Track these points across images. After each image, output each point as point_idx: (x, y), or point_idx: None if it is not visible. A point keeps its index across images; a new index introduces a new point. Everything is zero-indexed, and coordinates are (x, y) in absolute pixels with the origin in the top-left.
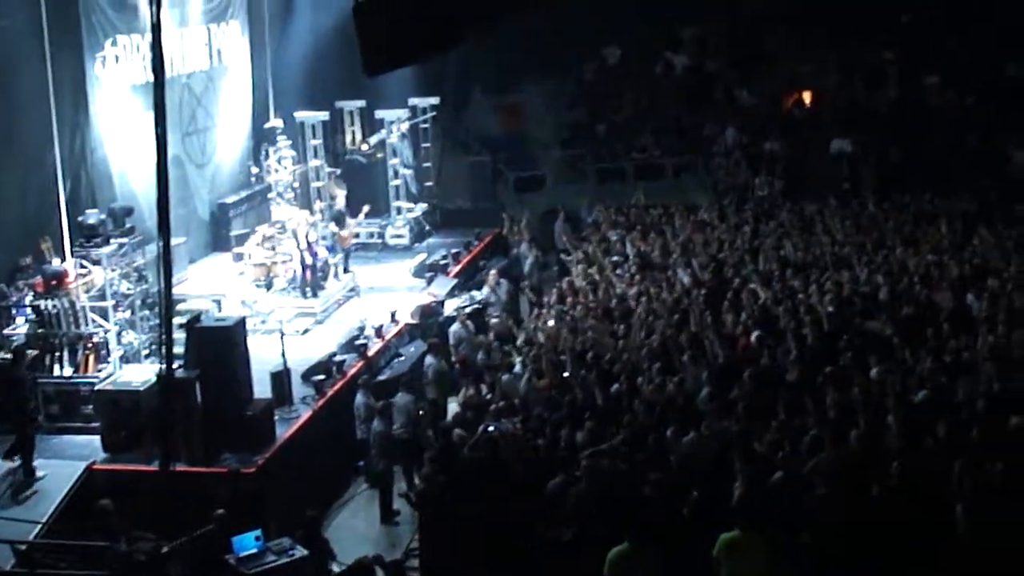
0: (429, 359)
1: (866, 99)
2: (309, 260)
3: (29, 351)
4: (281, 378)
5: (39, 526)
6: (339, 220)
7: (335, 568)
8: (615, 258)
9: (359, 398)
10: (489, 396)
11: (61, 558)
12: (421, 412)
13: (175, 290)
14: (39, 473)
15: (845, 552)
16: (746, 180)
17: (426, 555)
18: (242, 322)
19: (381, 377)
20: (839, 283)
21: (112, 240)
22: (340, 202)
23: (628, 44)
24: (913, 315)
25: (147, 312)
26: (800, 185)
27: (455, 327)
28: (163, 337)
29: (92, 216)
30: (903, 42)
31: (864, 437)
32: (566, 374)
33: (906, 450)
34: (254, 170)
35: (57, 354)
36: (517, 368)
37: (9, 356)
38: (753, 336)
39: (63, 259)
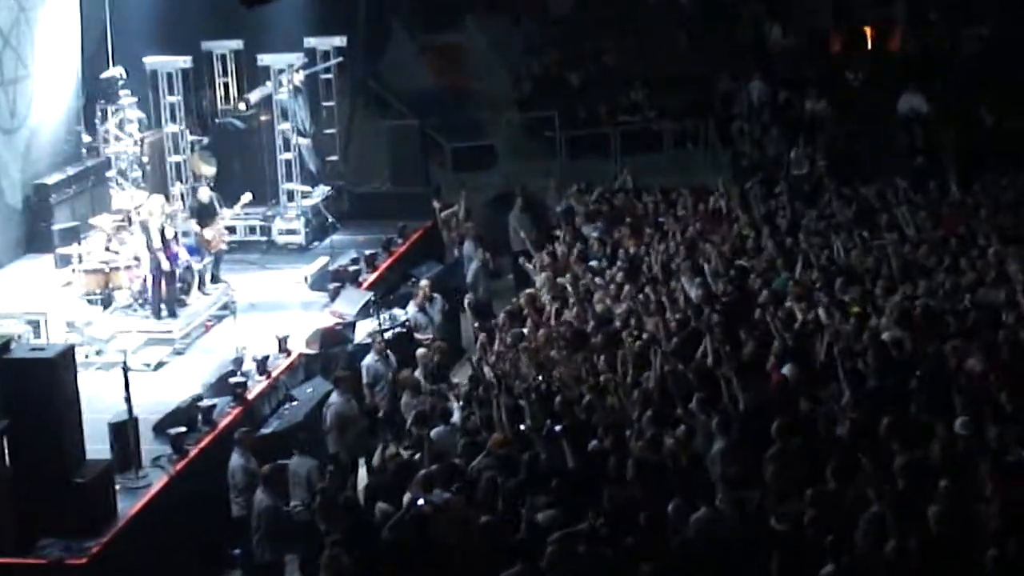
0: (334, 398)
1: (947, 41)
2: (165, 266)
3: None
4: (125, 431)
5: None
6: (205, 211)
7: None
8: (594, 263)
9: (235, 460)
10: (417, 456)
11: None
12: (324, 478)
13: None
14: None
15: None
16: (778, 153)
17: None
18: (69, 352)
19: (266, 430)
20: (910, 298)
21: None
22: (205, 189)
23: None
24: (1015, 342)
25: None
26: (854, 161)
27: (370, 359)
28: None
29: None
30: None
31: (948, 515)
32: (525, 425)
33: (1007, 532)
34: (86, 138)
35: None
36: (456, 417)
37: None
38: (787, 371)
39: None
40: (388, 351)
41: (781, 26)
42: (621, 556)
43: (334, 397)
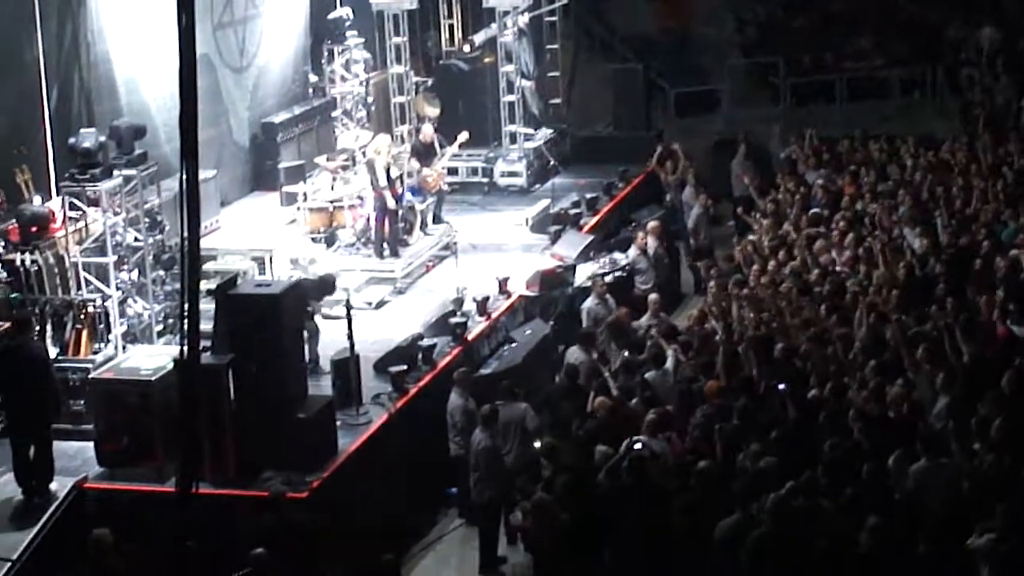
0: (575, 354)
1: None
2: (391, 204)
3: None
4: (346, 369)
5: (7, 564)
6: (428, 151)
7: None
8: (817, 211)
9: (454, 399)
10: (632, 401)
11: None
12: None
13: (202, 243)
14: (15, 494)
15: None
16: (1007, 101)
17: None
18: (294, 289)
19: (485, 371)
20: None
21: (115, 172)
22: (428, 129)
23: None
24: None
25: (162, 273)
26: None
27: (590, 302)
28: (184, 308)
29: (88, 137)
30: None
31: None
32: (743, 375)
33: None
34: (312, 78)
35: (37, 328)
36: (669, 363)
37: (7, 325)
38: (1012, 325)
39: (46, 197)
40: (608, 295)
41: None
42: (842, 508)
43: (575, 354)
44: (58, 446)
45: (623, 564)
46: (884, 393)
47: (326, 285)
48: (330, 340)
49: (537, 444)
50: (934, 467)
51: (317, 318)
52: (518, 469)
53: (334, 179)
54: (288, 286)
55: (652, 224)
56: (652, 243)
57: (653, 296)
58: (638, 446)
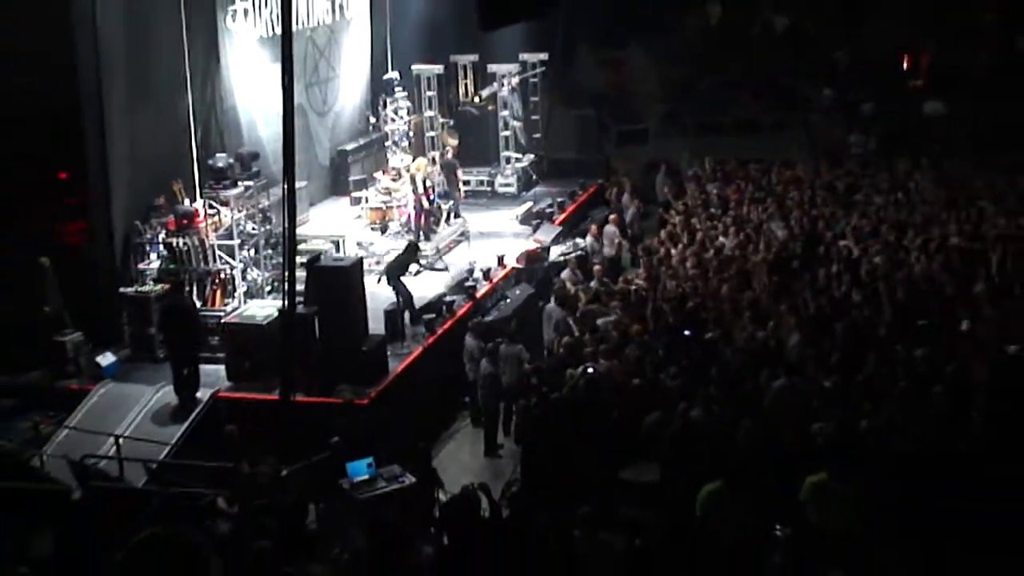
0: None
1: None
2: (425, 205)
3: (160, 285)
4: (395, 316)
5: (168, 447)
6: (449, 169)
7: (441, 496)
8: (713, 210)
9: (469, 341)
10: (587, 338)
11: (189, 477)
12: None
13: (297, 231)
14: (173, 400)
15: (928, 502)
16: (841, 138)
17: (526, 486)
18: (359, 263)
19: (488, 318)
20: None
21: (239, 183)
22: (450, 156)
23: (730, 2)
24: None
25: (270, 251)
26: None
27: (565, 273)
28: (285, 275)
29: (221, 160)
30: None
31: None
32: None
33: (993, 400)
34: (372, 119)
35: (187, 289)
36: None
37: (168, 286)
38: (846, 290)
39: (193, 200)
40: (578, 268)
41: (846, 51)
42: (726, 414)
43: (554, 309)
44: (202, 368)
45: (579, 449)
46: (755, 335)
47: (412, 247)
48: (383, 297)
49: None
50: (790, 385)
51: (406, 279)
52: (511, 385)
53: (386, 188)
54: (355, 261)
55: (612, 217)
56: (610, 230)
57: (597, 267)
58: (590, 370)
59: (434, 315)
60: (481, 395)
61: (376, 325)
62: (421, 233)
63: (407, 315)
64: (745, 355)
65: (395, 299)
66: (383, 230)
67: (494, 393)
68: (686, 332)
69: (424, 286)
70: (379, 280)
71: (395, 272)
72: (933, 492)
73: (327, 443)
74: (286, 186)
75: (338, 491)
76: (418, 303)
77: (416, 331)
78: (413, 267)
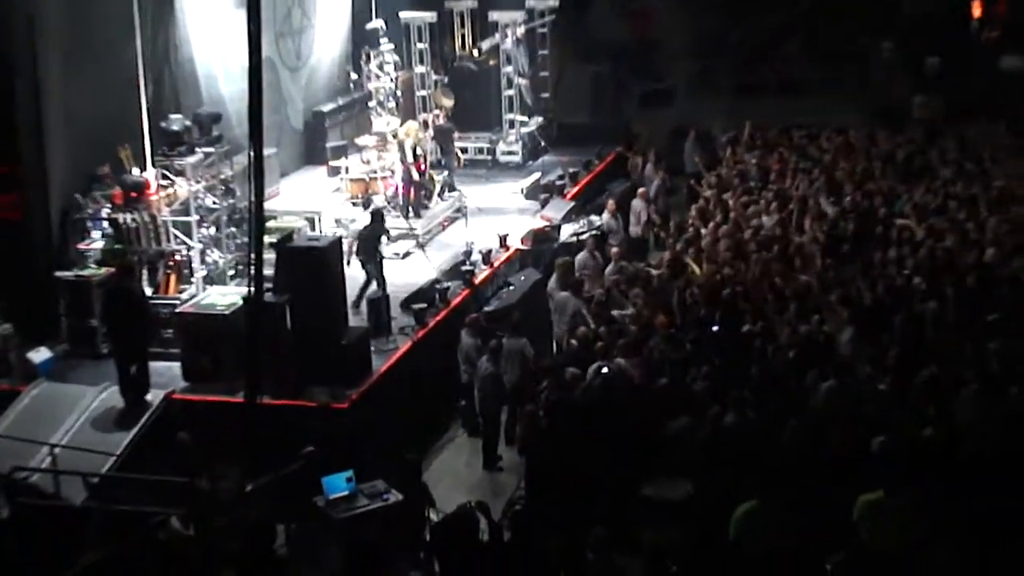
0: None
1: None
2: (415, 176)
3: (104, 268)
4: (379, 305)
5: (113, 458)
6: (443, 135)
7: (433, 516)
8: (751, 183)
9: (465, 339)
10: (603, 331)
11: (137, 494)
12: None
13: (265, 206)
14: (118, 403)
15: (1005, 524)
16: (902, 99)
17: (531, 504)
18: (337, 243)
19: (488, 308)
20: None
21: (197, 149)
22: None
23: None
24: None
25: (234, 229)
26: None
27: (582, 255)
28: (251, 257)
29: (176, 122)
30: None
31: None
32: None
33: None
34: (353, 76)
35: (135, 273)
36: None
37: (113, 270)
38: (907, 276)
39: (143, 169)
40: (596, 251)
41: None
42: (766, 417)
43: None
44: (153, 365)
45: (593, 461)
46: (798, 328)
47: (376, 215)
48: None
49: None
50: (841, 386)
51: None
52: (515, 386)
53: (369, 155)
54: (333, 240)
55: (640, 190)
56: (637, 205)
57: (615, 250)
58: (604, 370)
59: (425, 305)
60: (480, 398)
61: (357, 316)
62: (410, 209)
63: (357, 299)
64: (788, 352)
65: (376, 285)
66: (366, 205)
67: (495, 396)
68: (714, 328)
69: (416, 270)
70: (349, 262)
71: (367, 249)
72: (1011, 513)
73: (299, 453)
74: (252, 153)
75: (312, 510)
76: (408, 290)
77: (404, 324)
78: (402, 246)
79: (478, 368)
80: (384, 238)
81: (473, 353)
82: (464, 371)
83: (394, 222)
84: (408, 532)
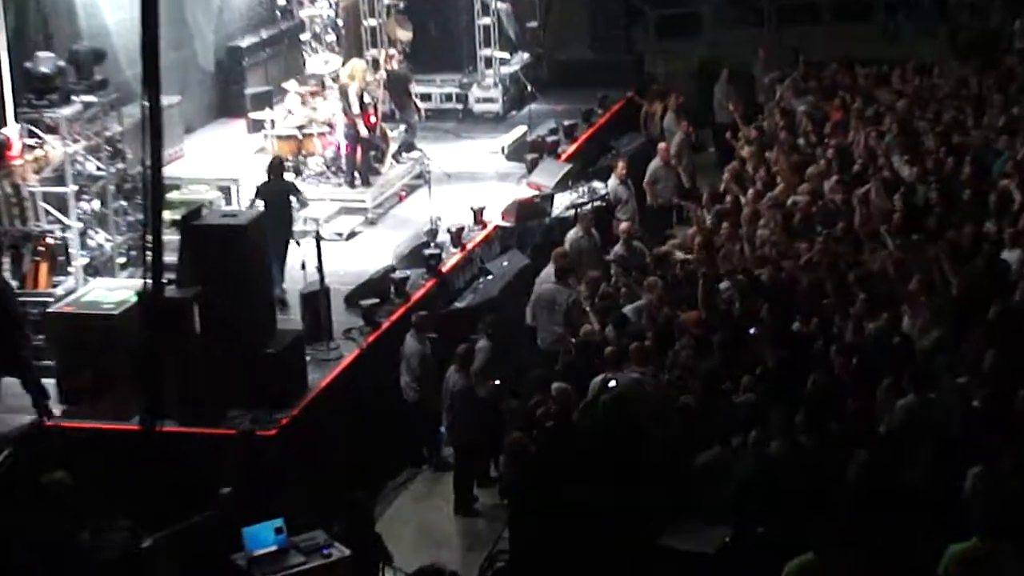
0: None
1: None
2: (363, 132)
3: None
4: (316, 302)
5: None
6: (398, 80)
7: None
8: (802, 139)
9: (411, 344)
10: (610, 333)
11: None
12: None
13: (166, 172)
14: None
15: None
16: (1002, 23)
17: (516, 560)
18: (261, 219)
19: (460, 303)
20: None
21: (74, 98)
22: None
23: None
24: None
25: (125, 203)
26: None
27: (573, 234)
28: (147, 240)
29: (45, 62)
30: None
31: None
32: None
33: None
34: (280, 1)
35: None
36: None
37: None
38: (1007, 256)
39: (3, 125)
40: (593, 229)
41: None
42: (825, 446)
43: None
44: (14, 382)
45: (597, 503)
46: (864, 327)
47: (276, 166)
48: (298, 273)
49: None
50: (923, 402)
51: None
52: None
53: (301, 105)
54: (255, 216)
55: (661, 146)
56: (655, 167)
57: (624, 225)
58: (612, 384)
59: (377, 300)
60: (448, 424)
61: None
62: (357, 174)
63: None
64: (853, 358)
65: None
66: (297, 171)
67: (469, 420)
68: (751, 331)
69: (364, 255)
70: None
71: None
72: None
73: (213, 497)
74: (147, 103)
75: (229, 569)
76: (356, 281)
77: (350, 325)
78: (347, 224)
79: (446, 382)
80: (295, 201)
81: (420, 365)
82: (412, 389)
83: (335, 191)
84: None
